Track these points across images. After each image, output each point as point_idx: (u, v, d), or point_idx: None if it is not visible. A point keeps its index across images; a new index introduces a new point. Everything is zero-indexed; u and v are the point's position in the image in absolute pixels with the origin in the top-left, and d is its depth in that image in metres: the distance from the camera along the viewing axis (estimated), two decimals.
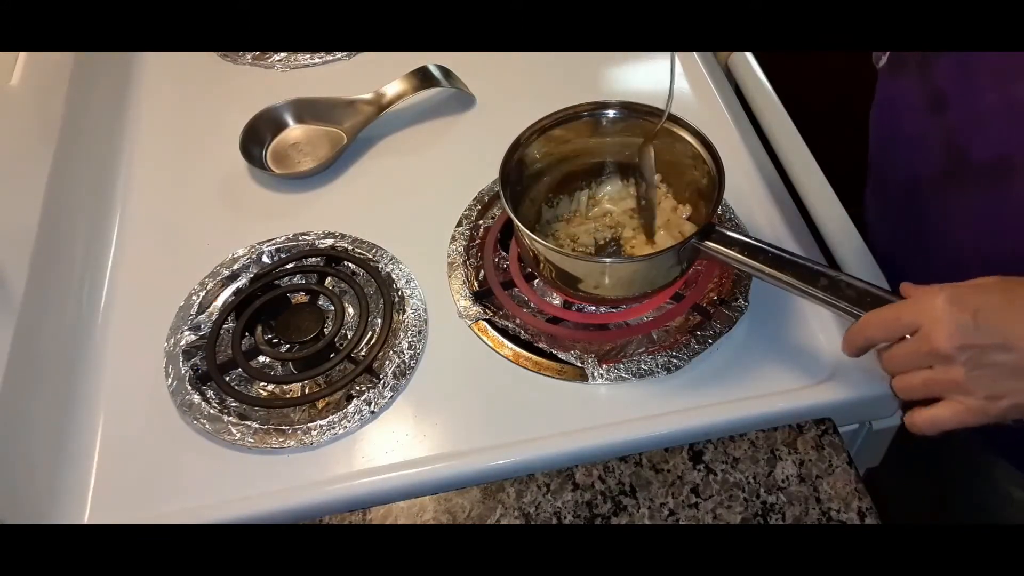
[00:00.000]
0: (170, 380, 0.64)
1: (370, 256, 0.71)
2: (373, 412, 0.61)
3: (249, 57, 0.92)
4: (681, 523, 0.54)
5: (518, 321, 0.65)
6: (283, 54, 0.92)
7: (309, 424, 0.60)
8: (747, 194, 0.73)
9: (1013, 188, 0.53)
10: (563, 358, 0.63)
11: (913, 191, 0.63)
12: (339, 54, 0.92)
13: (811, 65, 1.01)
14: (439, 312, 0.67)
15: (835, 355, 0.62)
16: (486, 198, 0.75)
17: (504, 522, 0.55)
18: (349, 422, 0.60)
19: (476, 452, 0.59)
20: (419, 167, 0.80)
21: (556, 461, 0.58)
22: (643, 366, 0.62)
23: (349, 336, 0.66)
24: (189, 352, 0.65)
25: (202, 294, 0.69)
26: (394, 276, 0.69)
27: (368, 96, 0.83)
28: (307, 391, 0.63)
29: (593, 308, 0.66)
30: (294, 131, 0.84)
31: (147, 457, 0.61)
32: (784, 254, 0.57)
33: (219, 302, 0.69)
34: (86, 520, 0.58)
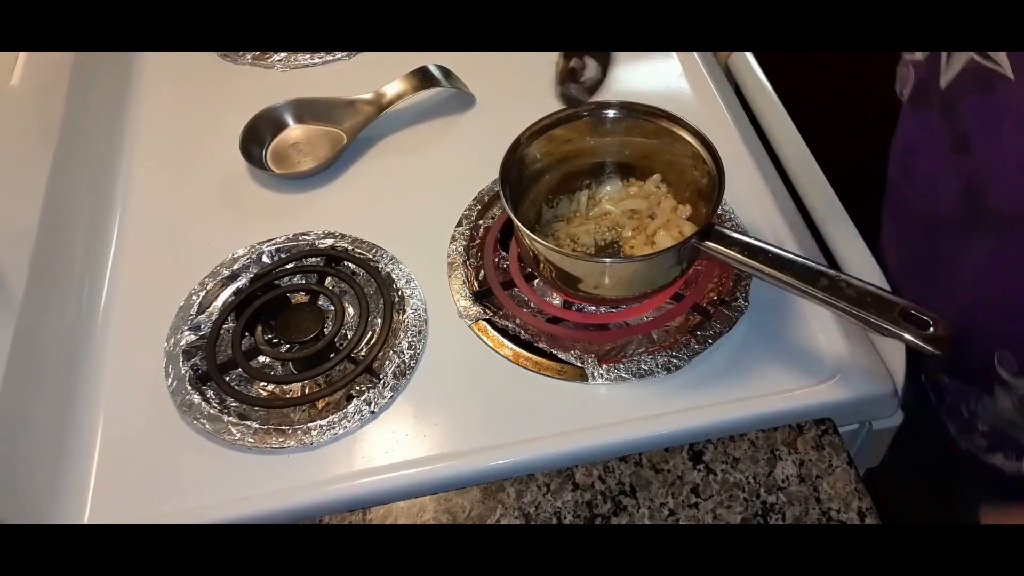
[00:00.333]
0: (170, 380, 0.64)
1: (370, 256, 0.71)
2: (373, 412, 0.61)
3: (249, 57, 0.92)
4: (681, 523, 0.54)
5: (518, 321, 0.65)
6: (283, 54, 0.92)
7: (309, 424, 0.60)
8: (747, 194, 0.73)
9: None
10: (563, 358, 0.63)
11: (930, 228, 0.61)
12: (339, 54, 0.92)
13: (811, 65, 1.01)
14: (439, 312, 0.67)
15: (835, 355, 0.62)
16: (486, 198, 0.75)
17: (504, 522, 0.55)
18: (349, 422, 0.60)
19: (476, 452, 0.59)
20: (419, 167, 0.80)
21: (556, 461, 0.58)
22: (643, 366, 0.62)
23: (349, 336, 0.66)
24: (189, 352, 0.65)
25: (202, 294, 0.69)
26: (394, 276, 0.69)
27: (368, 96, 0.83)
28: (307, 391, 0.63)
29: (593, 308, 0.66)
30: (294, 131, 0.84)
31: (147, 457, 0.61)
32: (784, 254, 0.57)
33: (219, 302, 0.69)
34: (86, 520, 0.58)
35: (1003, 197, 0.52)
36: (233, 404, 0.62)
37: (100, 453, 0.61)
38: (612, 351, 0.63)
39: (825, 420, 0.59)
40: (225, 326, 0.67)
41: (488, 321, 0.66)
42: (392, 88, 0.83)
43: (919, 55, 0.56)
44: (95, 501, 0.59)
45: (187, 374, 0.64)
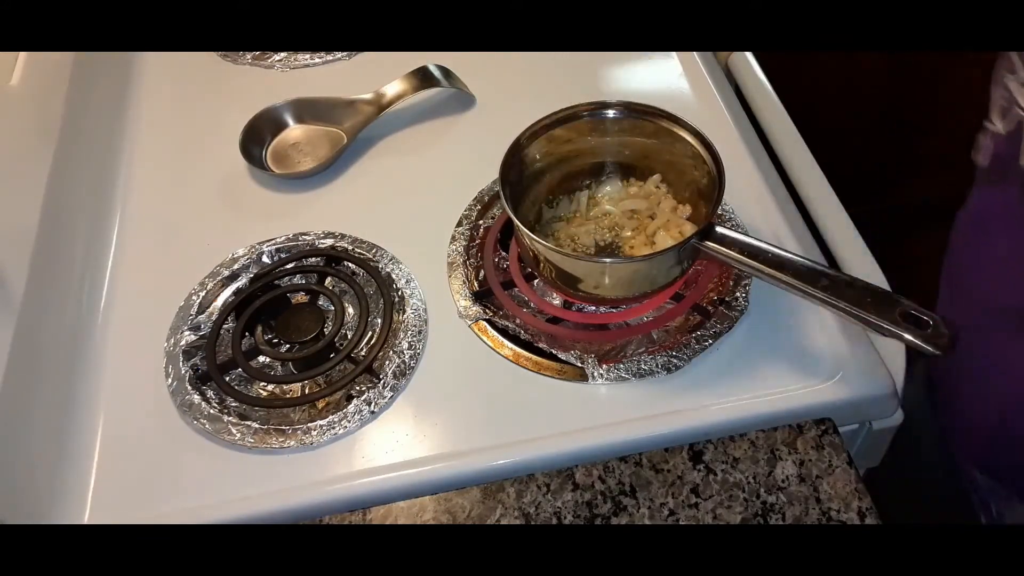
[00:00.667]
0: (170, 380, 0.64)
1: (370, 256, 0.71)
2: (373, 412, 0.61)
3: (249, 57, 0.92)
4: (681, 523, 0.54)
5: (518, 321, 0.65)
6: (283, 54, 0.92)
7: (309, 424, 0.60)
8: (747, 194, 0.73)
9: None
10: (563, 358, 0.63)
11: (987, 313, 0.56)
12: (339, 54, 0.92)
13: (811, 65, 1.01)
14: (439, 312, 0.67)
15: (835, 355, 0.62)
16: (486, 198, 0.75)
17: (504, 522, 0.55)
18: (349, 422, 0.60)
19: (476, 452, 0.59)
20: (419, 167, 0.80)
21: (556, 461, 0.58)
22: (643, 366, 0.62)
23: (349, 336, 0.66)
24: (189, 352, 0.65)
25: (202, 294, 0.69)
26: (394, 276, 0.69)
27: (368, 96, 0.83)
28: (307, 391, 0.63)
29: (593, 308, 0.66)
30: (294, 131, 0.84)
31: (147, 457, 0.61)
32: (784, 254, 0.57)
33: (219, 302, 0.69)
34: (86, 520, 0.58)
35: None
36: (233, 404, 0.62)
37: (100, 453, 0.61)
38: (612, 351, 0.63)
39: (825, 420, 0.59)
40: (225, 326, 0.67)
41: (488, 321, 0.66)
42: (392, 88, 0.83)
43: (1000, 126, 0.52)
44: (95, 501, 0.59)
45: (187, 374, 0.64)
